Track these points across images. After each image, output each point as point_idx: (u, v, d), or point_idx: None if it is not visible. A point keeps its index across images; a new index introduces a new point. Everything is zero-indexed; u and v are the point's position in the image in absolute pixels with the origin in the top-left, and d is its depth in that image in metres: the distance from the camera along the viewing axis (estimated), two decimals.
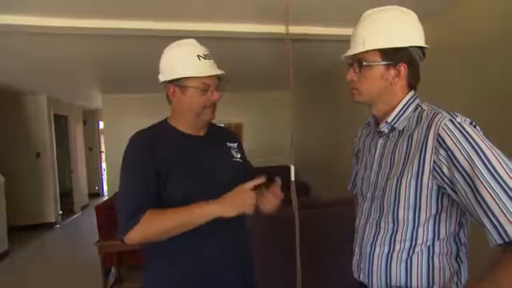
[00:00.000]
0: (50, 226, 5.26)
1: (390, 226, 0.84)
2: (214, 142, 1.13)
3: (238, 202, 0.93)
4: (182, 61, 1.02)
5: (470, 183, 0.69)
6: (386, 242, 0.85)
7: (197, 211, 0.93)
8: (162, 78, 1.06)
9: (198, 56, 1.02)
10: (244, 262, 1.11)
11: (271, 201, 1.07)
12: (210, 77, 1.04)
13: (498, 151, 0.70)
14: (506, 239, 0.64)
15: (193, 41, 1.07)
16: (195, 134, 1.10)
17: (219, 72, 1.06)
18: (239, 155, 1.17)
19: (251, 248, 1.16)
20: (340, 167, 3.82)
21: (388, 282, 0.85)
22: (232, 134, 1.30)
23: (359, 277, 0.94)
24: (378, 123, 0.93)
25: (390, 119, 0.87)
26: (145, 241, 0.97)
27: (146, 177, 0.97)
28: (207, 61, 1.04)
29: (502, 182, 0.66)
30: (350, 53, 0.88)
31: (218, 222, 0.94)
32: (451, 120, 0.74)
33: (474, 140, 0.71)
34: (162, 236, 0.95)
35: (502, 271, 0.64)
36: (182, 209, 0.94)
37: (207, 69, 1.03)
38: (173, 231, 0.94)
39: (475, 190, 0.68)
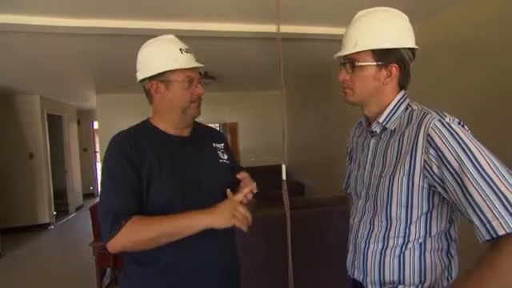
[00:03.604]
0: (43, 227, 5.22)
1: (384, 223, 0.86)
2: (199, 143, 1.09)
3: (228, 214, 0.89)
4: (165, 54, 0.98)
5: (459, 181, 0.71)
6: (380, 239, 0.87)
7: (186, 221, 0.89)
8: (143, 74, 1.01)
9: (180, 49, 0.99)
10: (230, 273, 1.08)
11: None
12: (193, 70, 1.01)
13: (485, 150, 0.72)
14: (494, 235, 0.66)
15: (172, 36, 1.04)
16: (179, 134, 1.05)
17: (201, 65, 1.03)
18: (226, 156, 1.13)
19: (239, 258, 1.13)
20: (335, 167, 3.84)
21: (381, 277, 0.86)
22: (218, 133, 1.25)
23: (353, 274, 0.95)
24: (369, 123, 0.95)
25: (381, 119, 0.89)
26: (128, 249, 0.93)
27: (128, 181, 0.92)
28: (189, 54, 1.01)
29: (488, 180, 0.68)
30: (342, 53, 0.89)
31: (207, 233, 0.91)
32: (440, 120, 0.76)
33: (462, 139, 0.73)
34: (147, 245, 0.90)
35: (488, 266, 0.65)
36: (170, 217, 0.90)
37: (190, 61, 1.01)
38: (158, 241, 0.89)
39: (464, 188, 0.70)
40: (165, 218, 0.90)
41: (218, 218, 0.89)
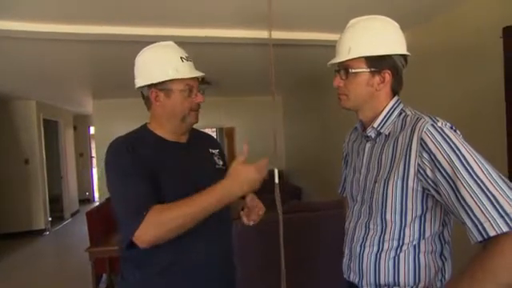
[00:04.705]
0: (39, 233, 5.17)
1: (379, 226, 0.87)
2: (197, 149, 1.10)
3: (245, 181, 0.87)
4: (166, 62, 0.97)
5: (452, 184, 0.72)
6: (375, 242, 0.88)
7: (209, 200, 0.86)
8: (142, 82, 0.99)
9: (181, 58, 0.99)
10: (228, 274, 1.10)
11: (255, 213, 1.08)
12: (193, 78, 1.01)
13: (476, 153, 0.74)
14: (485, 236, 0.67)
15: (171, 43, 1.03)
16: (177, 140, 1.06)
17: (201, 74, 1.03)
18: (221, 162, 1.14)
19: (234, 259, 1.14)
20: (332, 171, 3.86)
21: (377, 280, 0.87)
22: (214, 140, 1.26)
23: (349, 277, 0.96)
24: (364, 128, 0.97)
25: (376, 124, 0.91)
26: (156, 239, 0.87)
27: (138, 176, 0.91)
28: (189, 62, 1.01)
29: (480, 183, 0.70)
30: (336, 60, 0.92)
31: (204, 234, 0.91)
32: (433, 125, 0.78)
33: (454, 143, 0.75)
34: (175, 231, 0.87)
35: (479, 266, 0.67)
36: (191, 200, 0.86)
37: (191, 70, 1.01)
38: (185, 225, 0.86)
39: (456, 191, 0.72)
40: (190, 199, 0.87)
41: (237, 188, 0.87)
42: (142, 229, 0.84)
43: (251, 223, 1.08)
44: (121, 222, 0.90)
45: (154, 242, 0.87)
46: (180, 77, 0.97)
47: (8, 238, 4.82)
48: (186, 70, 0.99)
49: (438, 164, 0.75)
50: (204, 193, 0.87)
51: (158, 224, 0.85)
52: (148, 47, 1.02)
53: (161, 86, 0.98)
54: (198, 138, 1.14)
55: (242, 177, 0.87)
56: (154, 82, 0.97)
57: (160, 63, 0.98)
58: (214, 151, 1.15)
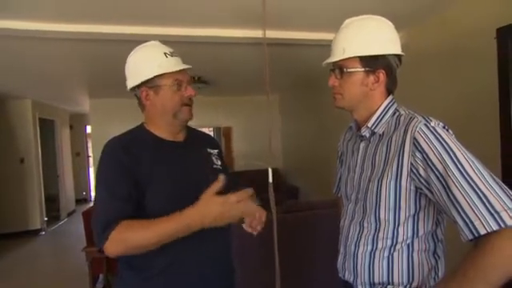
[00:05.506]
0: (35, 233, 5.14)
1: (373, 225, 0.88)
2: (194, 148, 1.09)
3: (211, 214, 0.84)
4: (150, 61, 0.99)
5: (444, 183, 0.73)
6: (369, 241, 0.89)
7: (176, 226, 0.85)
8: (132, 83, 1.02)
9: (165, 54, 1.00)
10: (226, 276, 1.08)
11: (256, 223, 1.03)
12: (182, 72, 1.01)
13: (468, 153, 0.75)
14: (476, 234, 0.68)
15: (156, 42, 1.05)
16: (173, 139, 1.05)
17: (187, 66, 1.03)
18: (219, 162, 1.14)
19: (233, 261, 1.13)
20: (329, 170, 3.87)
21: (371, 278, 0.88)
22: (213, 140, 1.26)
23: (344, 276, 0.97)
24: (359, 128, 0.97)
25: (370, 124, 0.92)
26: (122, 253, 0.90)
27: (121, 188, 0.91)
28: (174, 57, 1.02)
29: (471, 182, 0.70)
30: (331, 60, 0.92)
31: (203, 236, 0.89)
32: (426, 124, 0.79)
33: (446, 143, 0.75)
34: (138, 250, 0.88)
35: (471, 264, 0.68)
36: (159, 222, 0.86)
37: (176, 64, 1.01)
38: (149, 246, 0.87)
39: (448, 190, 0.72)
40: (154, 222, 0.87)
41: (211, 218, 0.85)
42: (108, 243, 0.87)
43: (255, 233, 1.05)
44: (93, 227, 0.91)
45: (121, 255, 0.91)
46: (164, 71, 0.98)
47: (3, 238, 4.78)
48: (171, 65, 1.00)
49: (430, 163, 0.75)
50: (172, 217, 0.86)
51: (122, 241, 0.87)
52: (134, 49, 1.04)
53: (149, 84, 0.99)
54: (196, 138, 1.15)
55: (209, 209, 0.84)
56: (141, 80, 0.99)
57: (144, 62, 1.00)
58: (212, 151, 1.14)
